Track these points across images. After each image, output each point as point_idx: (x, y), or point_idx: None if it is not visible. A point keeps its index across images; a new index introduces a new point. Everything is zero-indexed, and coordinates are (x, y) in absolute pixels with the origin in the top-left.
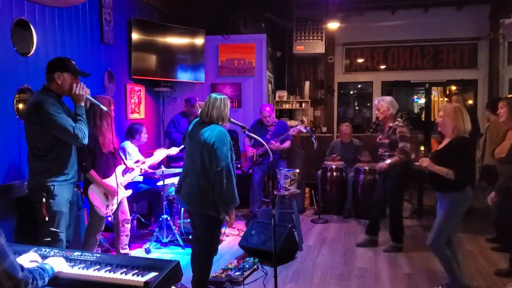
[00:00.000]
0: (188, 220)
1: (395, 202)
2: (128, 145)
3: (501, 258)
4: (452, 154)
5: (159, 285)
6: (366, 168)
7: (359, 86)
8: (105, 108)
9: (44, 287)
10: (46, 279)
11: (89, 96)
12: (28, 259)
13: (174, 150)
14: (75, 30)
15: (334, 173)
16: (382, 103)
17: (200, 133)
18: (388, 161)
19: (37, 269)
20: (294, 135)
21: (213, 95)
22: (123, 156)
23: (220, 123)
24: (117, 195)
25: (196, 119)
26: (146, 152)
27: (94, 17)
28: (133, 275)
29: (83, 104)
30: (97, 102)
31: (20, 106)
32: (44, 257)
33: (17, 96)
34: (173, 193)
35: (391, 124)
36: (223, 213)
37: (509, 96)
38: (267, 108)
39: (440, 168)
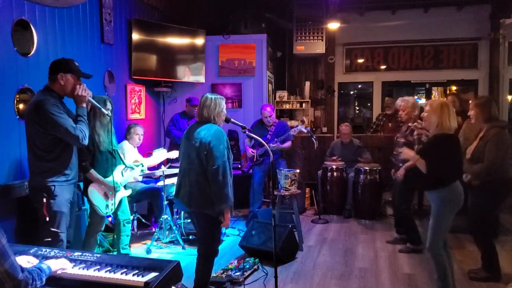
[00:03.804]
0: (189, 220)
1: (403, 202)
2: (126, 145)
3: (502, 258)
4: (428, 148)
5: (160, 286)
6: (367, 168)
7: (360, 86)
8: (105, 111)
9: (42, 287)
10: (44, 279)
11: (90, 98)
12: (25, 261)
13: (175, 154)
14: (75, 30)
15: (335, 173)
16: (407, 104)
17: (196, 133)
18: (401, 167)
19: (35, 269)
20: (294, 135)
21: (206, 95)
22: (121, 156)
23: (212, 122)
24: (116, 194)
25: (195, 120)
26: (146, 152)
27: (94, 17)
28: (133, 275)
29: (84, 105)
30: (98, 105)
31: (21, 106)
32: (44, 257)
33: (17, 96)
34: (173, 193)
35: (410, 124)
36: (220, 213)
37: (479, 96)
38: (268, 109)
39: (412, 155)
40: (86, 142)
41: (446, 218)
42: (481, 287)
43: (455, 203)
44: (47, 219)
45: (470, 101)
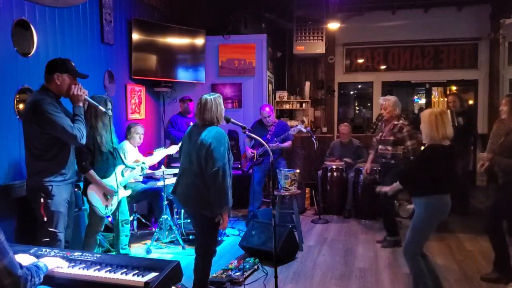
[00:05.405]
0: (189, 221)
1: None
2: (127, 145)
3: None
4: (417, 161)
5: (160, 286)
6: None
7: (360, 86)
8: (103, 109)
9: (40, 285)
10: (42, 276)
11: (87, 97)
12: (21, 259)
13: (173, 149)
14: (75, 30)
15: (335, 173)
16: (389, 103)
17: (198, 133)
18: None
19: (32, 267)
20: (294, 135)
21: (204, 96)
22: (122, 156)
23: (216, 124)
24: (116, 195)
25: (193, 117)
26: (146, 152)
27: (94, 17)
28: (133, 275)
29: (81, 104)
30: (95, 103)
31: (21, 106)
32: (42, 257)
33: (17, 96)
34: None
35: (395, 122)
36: (218, 214)
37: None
38: (267, 109)
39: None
40: (84, 141)
41: (426, 224)
42: (482, 287)
43: (437, 213)
44: (45, 219)
45: (470, 101)
